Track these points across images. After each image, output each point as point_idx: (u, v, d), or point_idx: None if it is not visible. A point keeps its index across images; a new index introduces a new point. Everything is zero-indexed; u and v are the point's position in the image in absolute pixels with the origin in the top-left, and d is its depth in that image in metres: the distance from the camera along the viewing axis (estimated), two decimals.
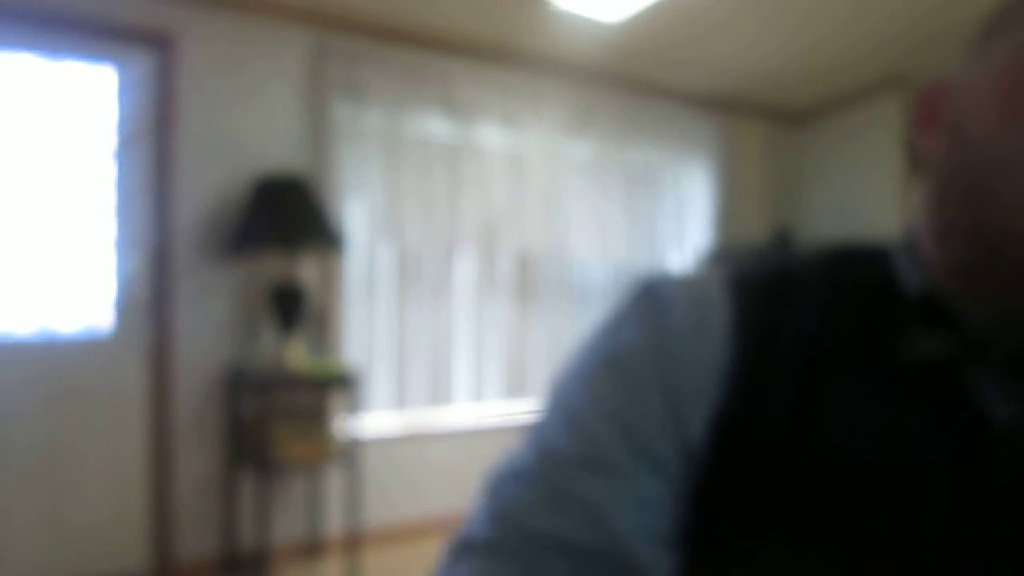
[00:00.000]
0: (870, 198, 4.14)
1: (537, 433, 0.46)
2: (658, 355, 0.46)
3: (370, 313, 3.32)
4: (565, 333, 3.81)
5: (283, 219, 2.73)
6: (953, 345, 0.43)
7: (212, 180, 2.93)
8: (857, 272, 0.49)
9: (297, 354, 2.86)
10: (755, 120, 4.47)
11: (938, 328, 0.43)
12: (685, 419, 0.44)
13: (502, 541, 0.41)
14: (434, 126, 3.44)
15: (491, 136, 3.59)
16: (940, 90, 0.50)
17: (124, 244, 2.80)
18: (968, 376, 0.43)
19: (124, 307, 2.80)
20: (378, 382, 3.33)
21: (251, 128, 3.02)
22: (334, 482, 3.17)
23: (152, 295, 2.84)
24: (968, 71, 0.49)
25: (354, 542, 2.90)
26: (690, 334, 0.46)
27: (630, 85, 3.97)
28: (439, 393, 3.48)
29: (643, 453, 0.43)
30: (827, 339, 0.45)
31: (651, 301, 0.49)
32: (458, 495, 3.46)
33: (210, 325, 2.91)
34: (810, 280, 0.48)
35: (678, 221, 4.24)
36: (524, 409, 3.59)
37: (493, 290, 3.63)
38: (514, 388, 3.68)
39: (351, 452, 2.89)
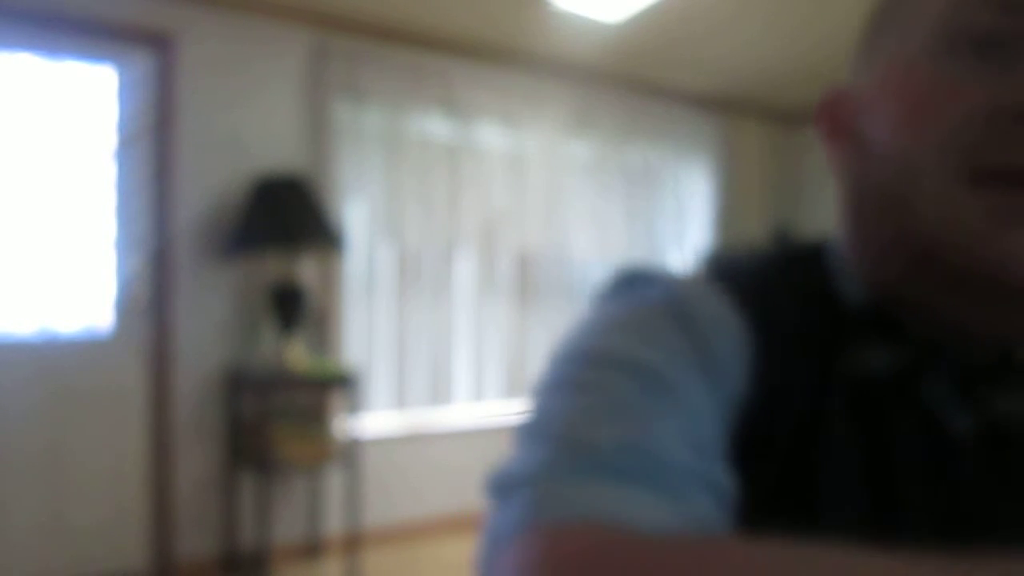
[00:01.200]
0: None
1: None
2: (683, 327, 0.40)
3: (370, 313, 3.32)
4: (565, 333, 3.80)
5: (283, 219, 2.73)
6: (901, 358, 0.41)
7: (212, 180, 2.93)
8: (800, 282, 0.46)
9: (297, 354, 2.86)
10: (755, 120, 4.47)
11: (883, 342, 0.41)
12: (723, 385, 0.40)
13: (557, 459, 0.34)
14: (434, 126, 3.44)
15: (491, 136, 3.59)
16: (838, 97, 0.48)
17: (124, 244, 2.80)
18: (922, 387, 0.41)
19: (124, 307, 2.80)
20: (378, 382, 3.33)
21: (251, 128, 3.02)
22: (334, 482, 3.17)
23: (152, 295, 2.84)
24: (859, 76, 0.47)
25: (354, 542, 2.90)
26: (713, 319, 0.42)
27: (630, 85, 3.96)
28: (439, 393, 3.48)
29: (687, 377, 0.38)
30: (807, 352, 0.42)
31: (654, 283, 0.45)
32: (458, 495, 3.46)
33: (210, 325, 2.91)
34: (779, 287, 0.45)
35: (678, 221, 4.24)
36: (523, 409, 3.57)
37: (493, 290, 3.63)
38: (514, 388, 3.68)
39: (351, 452, 2.89)
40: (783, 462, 0.40)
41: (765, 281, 0.46)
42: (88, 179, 2.74)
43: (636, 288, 0.45)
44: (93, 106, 2.75)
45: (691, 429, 0.36)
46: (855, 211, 0.45)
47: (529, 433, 0.37)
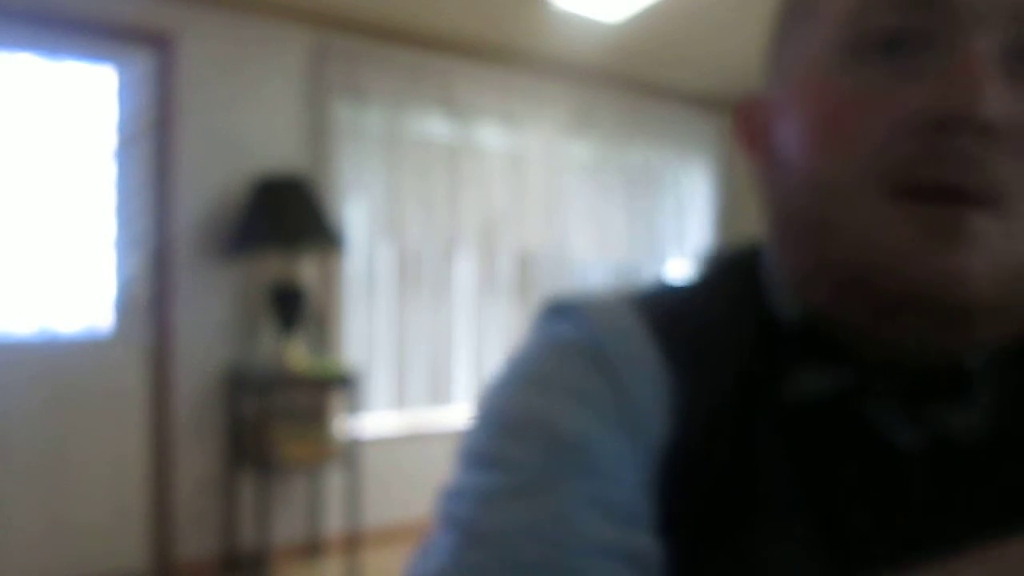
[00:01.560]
0: None
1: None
2: (599, 369, 0.40)
3: (370, 313, 3.32)
4: None
5: (283, 219, 2.74)
6: (840, 380, 0.39)
7: (212, 180, 2.93)
8: (730, 305, 0.44)
9: (297, 354, 2.86)
10: None
11: (821, 363, 0.39)
12: (642, 431, 0.39)
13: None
14: (434, 126, 3.44)
15: (491, 136, 3.59)
16: (754, 105, 0.44)
17: (124, 244, 2.80)
18: (866, 407, 0.39)
19: (124, 307, 2.80)
20: (378, 382, 3.33)
21: (251, 128, 3.02)
22: (334, 482, 3.17)
23: (152, 295, 2.84)
24: (771, 80, 0.43)
25: (354, 542, 2.90)
26: (630, 357, 0.40)
27: (630, 85, 3.96)
28: (439, 393, 3.48)
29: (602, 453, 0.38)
30: (736, 382, 0.40)
31: (574, 317, 0.43)
32: None
33: (210, 325, 2.91)
34: (709, 312, 0.43)
35: (678, 221, 4.24)
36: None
37: (493, 290, 3.63)
38: None
39: (351, 452, 2.89)
40: (710, 508, 0.38)
41: (692, 308, 0.44)
42: (88, 179, 2.74)
43: (558, 322, 0.44)
44: (93, 106, 2.75)
45: (607, 496, 0.35)
46: (780, 231, 0.42)
47: (442, 515, 0.37)
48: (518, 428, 0.38)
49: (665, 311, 0.43)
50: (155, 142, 2.85)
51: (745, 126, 0.45)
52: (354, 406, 2.90)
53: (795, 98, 0.39)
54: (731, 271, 0.46)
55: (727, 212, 4.37)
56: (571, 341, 0.42)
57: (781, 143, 0.40)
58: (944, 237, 0.33)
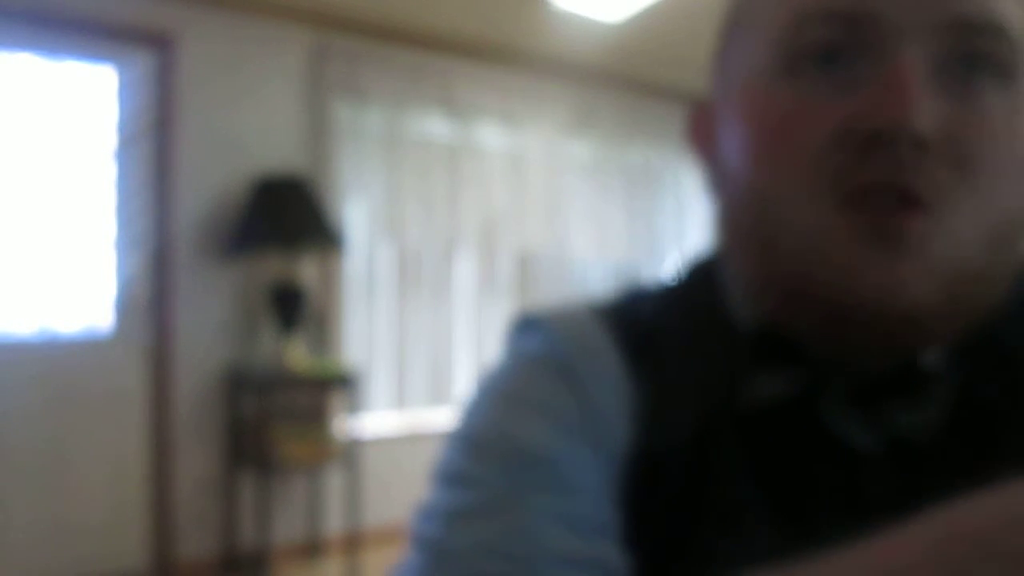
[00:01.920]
0: None
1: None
2: (564, 381, 0.41)
3: (370, 313, 3.32)
4: None
5: (283, 219, 2.74)
6: (795, 383, 0.39)
7: (212, 180, 2.93)
8: (689, 312, 0.44)
9: (297, 354, 2.86)
10: None
11: (776, 367, 0.39)
12: (606, 443, 0.40)
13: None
14: (434, 126, 3.44)
15: (491, 136, 3.59)
16: (703, 112, 0.44)
17: (124, 244, 2.80)
18: (822, 409, 0.39)
19: (124, 307, 2.80)
20: (378, 382, 3.33)
21: (251, 128, 3.02)
22: (334, 482, 3.17)
23: (152, 295, 2.84)
24: (715, 92, 0.43)
25: (354, 542, 2.90)
26: (593, 369, 0.41)
27: (630, 85, 3.97)
28: (439, 393, 3.48)
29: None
30: (696, 387, 0.41)
31: (540, 331, 0.44)
32: None
33: (210, 325, 2.91)
34: (669, 318, 0.44)
35: (678, 221, 4.24)
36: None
37: (493, 290, 3.63)
38: None
39: (351, 452, 2.89)
40: (673, 513, 0.38)
41: (653, 317, 0.45)
42: (88, 179, 2.74)
43: (527, 337, 0.45)
44: (93, 106, 2.75)
45: (572, 509, 0.36)
46: (726, 241, 0.42)
47: (414, 535, 0.38)
48: (485, 446, 0.39)
49: (628, 321, 0.44)
50: (155, 142, 2.85)
51: (696, 131, 0.45)
52: (354, 406, 2.90)
53: (736, 108, 0.40)
54: (693, 278, 0.47)
55: None
56: (538, 355, 0.43)
57: (725, 151, 0.41)
58: (883, 244, 0.34)
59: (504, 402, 0.41)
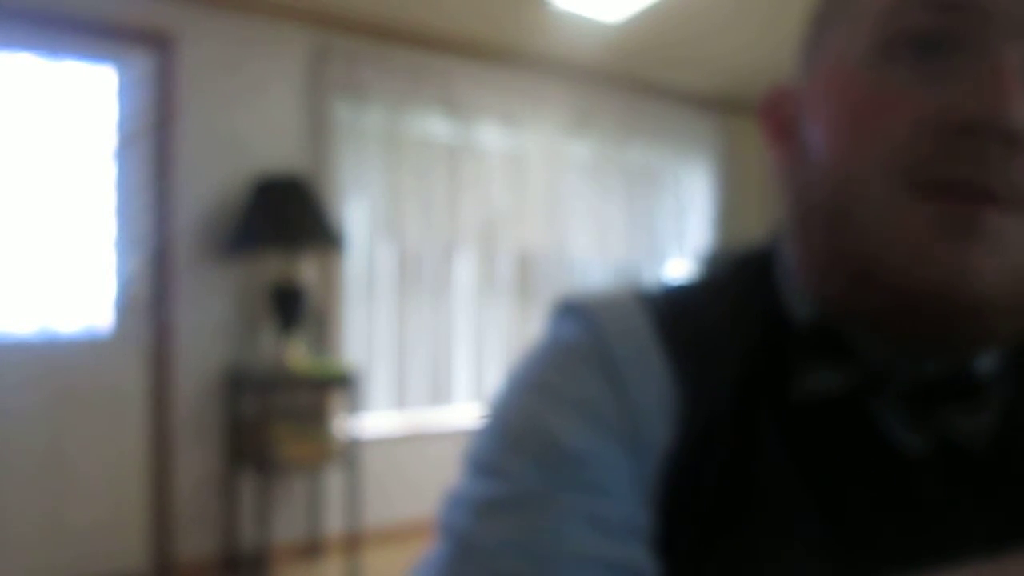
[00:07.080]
0: None
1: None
2: (603, 371, 0.40)
3: (370, 313, 3.32)
4: None
5: (283, 219, 2.74)
6: (849, 379, 0.39)
7: (212, 180, 2.93)
8: (740, 303, 0.44)
9: (297, 354, 2.86)
10: (755, 120, 4.46)
11: (831, 362, 0.39)
12: (644, 437, 0.39)
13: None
14: (434, 126, 3.44)
15: (491, 136, 3.59)
16: (782, 96, 0.45)
17: (124, 244, 2.80)
18: (873, 409, 0.39)
19: (124, 307, 2.80)
20: (378, 382, 3.33)
21: (251, 128, 3.02)
22: (334, 482, 3.17)
23: (152, 295, 2.84)
24: (801, 75, 0.44)
25: (354, 542, 2.90)
26: (634, 359, 0.41)
27: (630, 85, 3.97)
28: (439, 393, 3.48)
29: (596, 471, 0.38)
30: (741, 382, 0.40)
31: (581, 316, 0.43)
32: None
33: (210, 325, 2.91)
34: (718, 311, 0.43)
35: (678, 221, 4.24)
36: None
37: (493, 290, 3.63)
38: None
39: (351, 452, 2.89)
40: (713, 511, 0.38)
41: (699, 308, 0.44)
42: (88, 179, 2.74)
43: (567, 323, 0.44)
44: (93, 106, 2.75)
45: (602, 510, 0.36)
46: (798, 223, 0.42)
47: (442, 523, 0.38)
48: (518, 438, 0.38)
49: (673, 311, 0.43)
50: (155, 142, 2.85)
51: (770, 117, 0.45)
52: (354, 406, 2.90)
53: (824, 91, 0.40)
54: (741, 271, 0.46)
55: (727, 212, 4.37)
56: (578, 344, 0.42)
57: (807, 135, 0.41)
58: (958, 234, 0.34)
59: (540, 393, 0.40)
